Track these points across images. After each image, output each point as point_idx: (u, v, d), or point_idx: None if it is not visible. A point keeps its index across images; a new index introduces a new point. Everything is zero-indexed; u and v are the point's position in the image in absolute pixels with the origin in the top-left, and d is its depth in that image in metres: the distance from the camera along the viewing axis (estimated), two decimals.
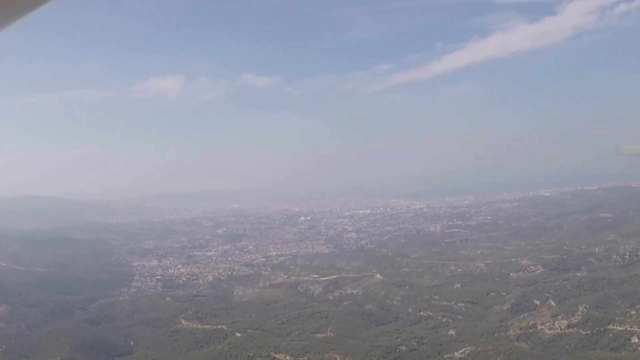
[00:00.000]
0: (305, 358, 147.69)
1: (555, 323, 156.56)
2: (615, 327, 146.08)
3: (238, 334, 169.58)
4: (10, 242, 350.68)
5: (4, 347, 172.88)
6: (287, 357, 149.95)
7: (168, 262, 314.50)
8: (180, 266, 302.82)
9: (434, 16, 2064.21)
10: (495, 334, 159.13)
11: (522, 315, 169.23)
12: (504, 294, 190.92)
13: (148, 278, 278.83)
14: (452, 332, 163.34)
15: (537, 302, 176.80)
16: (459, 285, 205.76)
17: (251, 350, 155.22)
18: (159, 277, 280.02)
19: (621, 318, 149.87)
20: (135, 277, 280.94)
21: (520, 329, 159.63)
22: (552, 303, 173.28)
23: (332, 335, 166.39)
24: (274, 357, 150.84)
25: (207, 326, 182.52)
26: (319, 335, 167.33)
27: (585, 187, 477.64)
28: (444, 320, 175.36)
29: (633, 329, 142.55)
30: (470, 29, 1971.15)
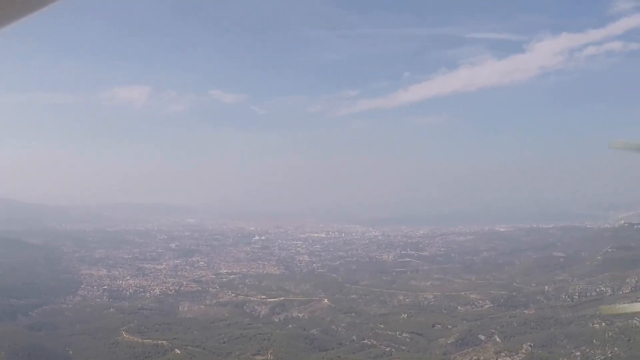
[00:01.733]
0: None
1: (499, 359, 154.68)
2: None
3: (177, 351, 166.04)
4: None
5: None
6: None
7: (117, 273, 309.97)
8: (129, 277, 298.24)
9: (403, 45, 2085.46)
10: None
11: (466, 350, 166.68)
12: (450, 327, 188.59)
13: (95, 287, 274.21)
14: None
15: (482, 337, 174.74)
16: (406, 315, 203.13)
17: None
18: (106, 287, 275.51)
19: (565, 359, 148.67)
20: (82, 286, 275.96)
21: None
22: (498, 339, 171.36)
23: (272, 358, 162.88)
24: None
25: (148, 340, 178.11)
26: (259, 357, 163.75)
27: (541, 225, 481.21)
28: (387, 349, 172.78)
29: None
30: (439, 61, 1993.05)
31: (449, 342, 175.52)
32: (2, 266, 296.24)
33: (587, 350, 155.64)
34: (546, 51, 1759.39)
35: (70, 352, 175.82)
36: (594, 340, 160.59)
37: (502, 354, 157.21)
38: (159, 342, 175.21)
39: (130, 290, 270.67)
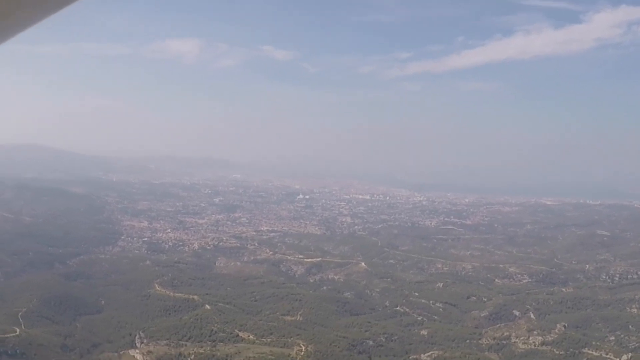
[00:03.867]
0: (268, 339, 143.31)
1: (530, 338, 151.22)
2: (590, 352, 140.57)
3: (208, 306, 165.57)
4: (5, 190, 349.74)
5: None
6: (250, 336, 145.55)
7: (158, 225, 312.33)
8: (169, 230, 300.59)
9: (458, 9, 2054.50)
10: (468, 341, 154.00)
11: (498, 325, 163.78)
12: (485, 299, 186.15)
13: (135, 239, 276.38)
14: (424, 332, 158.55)
15: (517, 313, 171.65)
16: (442, 284, 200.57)
17: (216, 325, 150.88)
18: (145, 239, 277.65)
19: (598, 343, 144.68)
20: (122, 237, 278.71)
21: (494, 338, 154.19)
22: (532, 316, 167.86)
23: (301, 319, 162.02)
24: (237, 335, 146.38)
25: (179, 294, 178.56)
26: (289, 317, 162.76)
27: (588, 201, 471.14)
28: (419, 318, 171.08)
29: (609, 356, 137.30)
30: (494, 26, 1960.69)
31: (482, 315, 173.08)
32: (44, 215, 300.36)
33: (622, 335, 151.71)
34: (604, 23, 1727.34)
35: (103, 302, 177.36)
36: (630, 326, 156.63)
37: (535, 332, 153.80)
38: (190, 296, 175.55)
39: (170, 244, 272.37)
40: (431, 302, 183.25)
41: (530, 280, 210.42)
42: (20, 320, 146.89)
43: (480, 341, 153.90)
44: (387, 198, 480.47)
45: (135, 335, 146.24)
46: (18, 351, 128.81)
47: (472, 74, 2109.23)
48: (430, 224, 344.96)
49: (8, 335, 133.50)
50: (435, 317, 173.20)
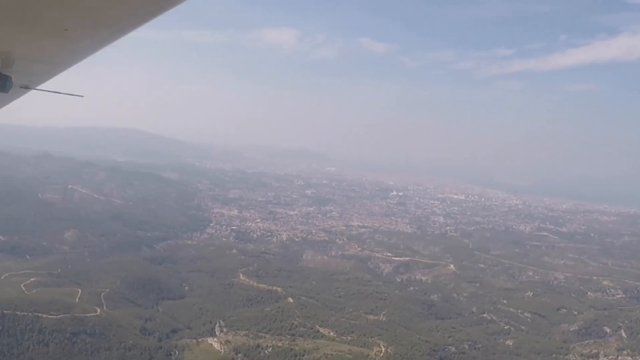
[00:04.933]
0: (348, 338, 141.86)
1: (620, 358, 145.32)
2: None
3: (290, 299, 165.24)
4: (98, 172, 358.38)
5: (59, 270, 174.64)
6: (331, 333, 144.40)
7: (248, 215, 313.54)
8: (259, 220, 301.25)
9: (562, 6, 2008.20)
10: (554, 355, 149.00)
11: (588, 341, 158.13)
12: (576, 313, 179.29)
13: (223, 227, 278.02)
14: (509, 342, 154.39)
15: (608, 330, 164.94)
16: (532, 293, 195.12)
17: (297, 319, 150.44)
18: (234, 227, 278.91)
19: None
20: (212, 224, 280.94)
21: (582, 355, 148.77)
22: (623, 334, 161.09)
23: (384, 319, 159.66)
24: (318, 330, 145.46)
25: (263, 285, 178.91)
26: (371, 317, 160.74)
27: None
28: (506, 327, 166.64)
29: None
30: (598, 25, 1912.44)
31: (571, 329, 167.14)
32: (134, 198, 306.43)
33: None
34: None
35: (186, 287, 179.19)
36: None
37: (625, 351, 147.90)
38: (274, 288, 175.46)
39: (258, 233, 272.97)
40: (519, 311, 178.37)
41: (624, 295, 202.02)
42: (103, 300, 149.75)
43: (567, 357, 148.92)
44: (482, 199, 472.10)
45: (216, 324, 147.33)
46: (97, 331, 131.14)
47: (575, 74, 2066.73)
48: (525, 229, 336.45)
49: (89, 315, 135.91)
50: (523, 328, 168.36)
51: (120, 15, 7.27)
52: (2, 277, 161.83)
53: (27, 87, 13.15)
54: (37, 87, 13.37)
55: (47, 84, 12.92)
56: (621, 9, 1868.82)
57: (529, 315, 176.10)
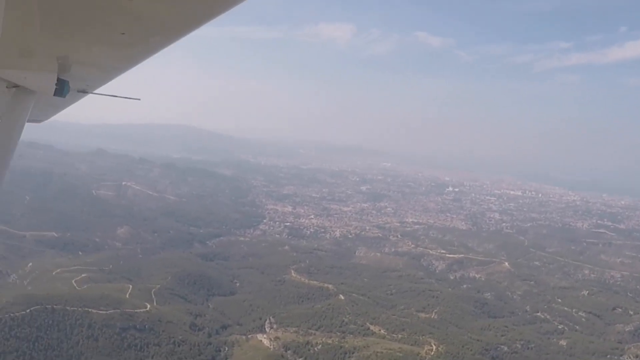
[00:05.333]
0: (399, 336, 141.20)
1: None
2: None
3: (341, 296, 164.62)
4: (152, 168, 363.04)
5: (110, 266, 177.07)
6: (381, 331, 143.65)
7: (302, 211, 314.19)
8: (312, 217, 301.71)
9: None
10: (608, 356, 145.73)
11: None
12: (632, 313, 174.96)
13: (277, 223, 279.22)
14: (563, 342, 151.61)
15: None
16: (587, 292, 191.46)
17: (347, 316, 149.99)
18: (288, 223, 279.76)
19: None
20: (265, 220, 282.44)
21: (637, 357, 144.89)
22: None
23: (436, 317, 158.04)
24: (368, 328, 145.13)
25: (314, 282, 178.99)
26: (423, 314, 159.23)
27: None
28: (560, 327, 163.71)
29: None
30: None
31: (626, 329, 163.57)
32: (188, 194, 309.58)
33: None
34: None
35: (237, 284, 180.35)
36: None
37: None
38: (325, 285, 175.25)
39: (311, 230, 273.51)
40: (574, 310, 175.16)
41: None
42: (153, 296, 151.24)
43: (621, 358, 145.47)
44: (539, 195, 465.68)
45: (266, 320, 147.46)
46: (147, 326, 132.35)
47: (635, 67, 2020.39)
48: (582, 226, 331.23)
49: (138, 310, 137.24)
50: (577, 328, 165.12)
51: (177, 19, 7.56)
52: (54, 273, 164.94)
53: (84, 91, 13.43)
54: (94, 91, 13.65)
55: (104, 88, 13.22)
56: None
57: (583, 314, 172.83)
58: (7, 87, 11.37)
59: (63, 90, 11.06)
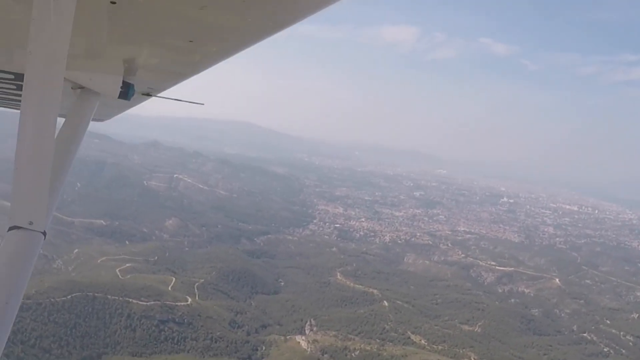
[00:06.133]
0: (439, 347, 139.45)
1: None
2: None
3: (385, 303, 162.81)
4: (206, 162, 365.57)
5: (156, 257, 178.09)
6: (422, 341, 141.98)
7: (353, 213, 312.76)
8: (363, 220, 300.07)
9: None
10: None
11: None
12: None
13: (327, 224, 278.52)
14: None
15: None
16: (637, 315, 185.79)
17: (389, 323, 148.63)
18: (338, 225, 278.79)
19: None
20: (315, 221, 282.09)
21: None
22: None
23: (479, 331, 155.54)
24: (409, 337, 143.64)
25: (360, 286, 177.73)
26: (467, 327, 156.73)
27: None
28: (605, 349, 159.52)
29: None
30: None
31: None
32: (239, 190, 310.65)
33: None
34: None
35: (282, 283, 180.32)
36: None
37: None
38: (370, 290, 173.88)
39: (361, 233, 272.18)
40: (622, 333, 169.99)
41: None
42: (196, 290, 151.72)
43: None
44: (596, 212, 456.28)
45: (306, 322, 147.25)
46: (186, 320, 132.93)
47: None
48: (638, 246, 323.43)
49: (179, 304, 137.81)
50: (623, 351, 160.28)
51: (247, 29, 7.17)
52: (99, 261, 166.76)
53: (148, 94, 12.96)
54: (158, 95, 13.19)
55: (168, 91, 12.86)
56: None
57: (631, 338, 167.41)
58: (72, 88, 11.14)
59: (128, 93, 10.97)
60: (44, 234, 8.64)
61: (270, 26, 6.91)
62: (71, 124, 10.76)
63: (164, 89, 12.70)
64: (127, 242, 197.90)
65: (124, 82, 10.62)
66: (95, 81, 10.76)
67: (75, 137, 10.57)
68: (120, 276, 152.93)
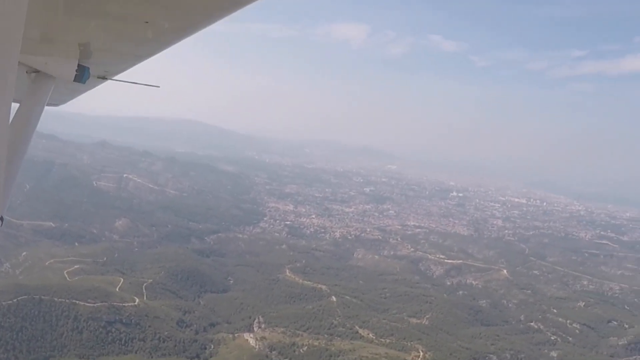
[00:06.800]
0: (387, 340, 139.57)
1: None
2: None
3: (334, 298, 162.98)
4: (156, 161, 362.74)
5: (105, 258, 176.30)
6: (370, 335, 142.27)
7: (303, 210, 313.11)
8: (313, 216, 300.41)
9: (636, 6, 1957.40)
10: None
11: (636, 357, 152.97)
12: (627, 326, 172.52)
13: (277, 221, 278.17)
14: (554, 354, 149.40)
15: None
16: (583, 304, 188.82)
17: (337, 318, 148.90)
18: (288, 222, 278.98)
19: None
20: (265, 218, 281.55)
21: None
22: None
23: (427, 323, 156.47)
24: (357, 331, 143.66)
25: (308, 282, 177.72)
26: (414, 320, 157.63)
27: None
28: (552, 338, 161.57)
29: None
30: None
31: (620, 343, 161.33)
32: (189, 190, 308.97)
33: None
34: None
35: (231, 281, 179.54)
36: None
37: None
38: (319, 286, 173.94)
39: (311, 229, 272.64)
40: (568, 321, 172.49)
41: None
42: (144, 290, 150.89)
43: None
44: (544, 204, 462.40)
45: (255, 319, 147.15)
46: (133, 321, 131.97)
47: None
48: (585, 236, 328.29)
49: (126, 304, 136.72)
50: (570, 339, 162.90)
51: (201, 8, 7.48)
52: (47, 263, 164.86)
53: (103, 78, 13.40)
54: (114, 78, 13.54)
55: (123, 75, 13.17)
56: None
57: (577, 326, 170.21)
58: (27, 72, 11.58)
59: (83, 77, 11.23)
60: (1, 219, 8.99)
61: (225, 5, 7.27)
62: (26, 109, 11.39)
63: (120, 72, 13.10)
64: (76, 244, 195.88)
65: (79, 65, 11.03)
66: (50, 65, 11.14)
67: (31, 122, 11.31)
68: (68, 278, 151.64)
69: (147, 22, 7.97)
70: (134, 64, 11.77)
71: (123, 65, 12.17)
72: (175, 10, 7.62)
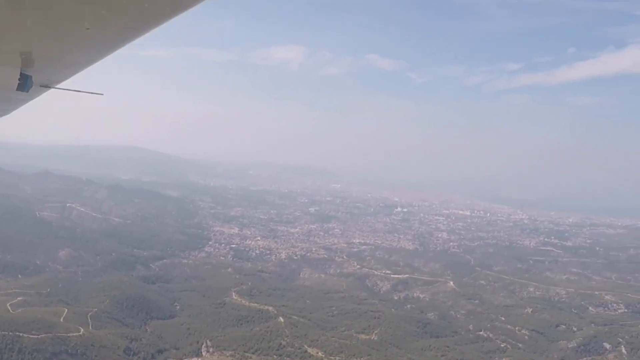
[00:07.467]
0: (337, 358, 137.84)
1: None
2: None
3: (281, 319, 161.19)
4: (99, 189, 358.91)
5: (48, 289, 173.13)
6: (319, 353, 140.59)
7: (249, 233, 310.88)
8: (259, 238, 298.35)
9: (569, 19, 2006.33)
10: None
11: (586, 358, 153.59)
12: (575, 329, 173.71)
13: (222, 245, 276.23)
14: None
15: (607, 347, 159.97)
16: (531, 310, 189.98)
17: (286, 339, 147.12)
18: (234, 245, 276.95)
19: None
20: (210, 242, 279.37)
21: None
22: (624, 351, 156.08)
23: (376, 338, 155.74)
24: (306, 351, 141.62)
25: (255, 304, 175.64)
26: (363, 336, 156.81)
27: None
28: (502, 345, 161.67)
29: None
30: (606, 38, 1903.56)
31: (570, 345, 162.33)
32: (133, 216, 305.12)
33: None
34: None
35: (177, 307, 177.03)
36: None
37: None
38: (265, 307, 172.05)
39: (257, 251, 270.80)
40: (517, 328, 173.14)
41: (626, 310, 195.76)
42: (89, 320, 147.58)
43: None
44: (488, 215, 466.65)
45: (202, 344, 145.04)
46: (79, 351, 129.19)
47: (582, 87, 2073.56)
48: (529, 244, 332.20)
49: (71, 335, 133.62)
50: (520, 346, 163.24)
51: (143, 14, 7.38)
52: None
53: (47, 86, 13.40)
54: (57, 86, 13.54)
55: (66, 83, 13.21)
56: (629, 21, 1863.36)
57: (526, 332, 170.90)
58: None
59: (26, 85, 10.99)
60: None
61: (167, 10, 7.27)
62: None
63: (62, 80, 12.91)
64: (19, 276, 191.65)
65: (21, 73, 10.82)
66: None
67: None
68: (10, 311, 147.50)
69: (88, 29, 7.73)
70: (77, 72, 11.58)
71: (66, 73, 11.99)
72: (116, 16, 7.39)
